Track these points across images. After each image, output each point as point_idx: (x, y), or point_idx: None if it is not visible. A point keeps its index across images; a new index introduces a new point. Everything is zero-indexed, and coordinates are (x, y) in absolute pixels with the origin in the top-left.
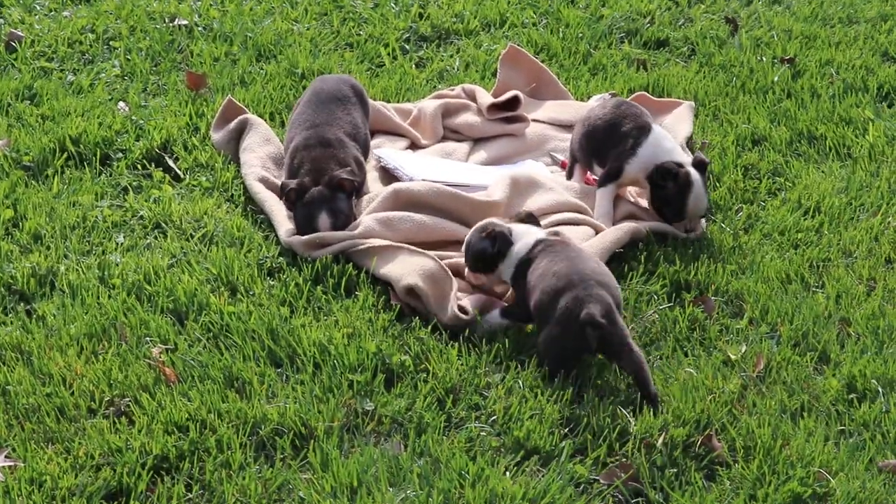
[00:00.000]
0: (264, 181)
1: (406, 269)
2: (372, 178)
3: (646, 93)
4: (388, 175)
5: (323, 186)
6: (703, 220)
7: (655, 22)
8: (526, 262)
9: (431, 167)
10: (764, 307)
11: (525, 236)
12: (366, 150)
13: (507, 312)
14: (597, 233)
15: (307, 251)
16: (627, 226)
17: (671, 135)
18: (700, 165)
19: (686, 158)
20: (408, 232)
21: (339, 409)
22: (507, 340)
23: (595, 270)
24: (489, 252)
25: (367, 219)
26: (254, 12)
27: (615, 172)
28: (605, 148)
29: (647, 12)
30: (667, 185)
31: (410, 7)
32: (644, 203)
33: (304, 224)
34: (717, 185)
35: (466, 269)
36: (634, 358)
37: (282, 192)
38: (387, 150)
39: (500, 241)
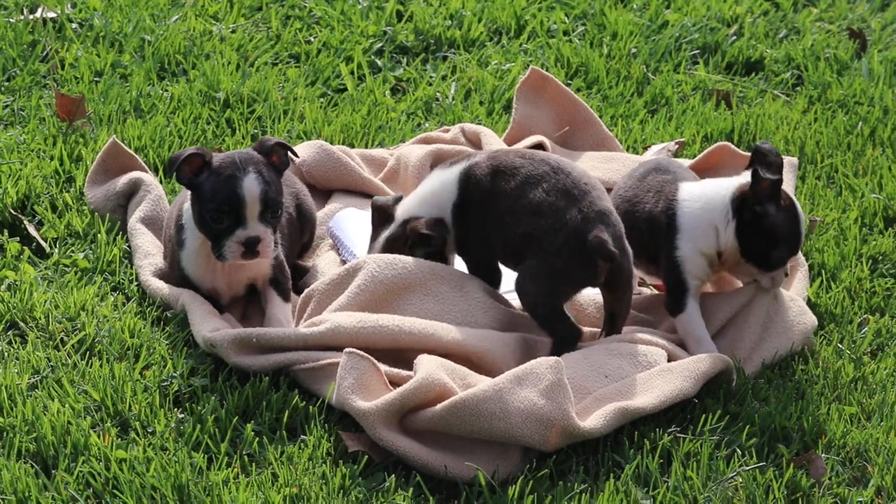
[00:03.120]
0: (165, 275)
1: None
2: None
3: (729, 143)
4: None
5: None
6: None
7: (745, 33)
8: (464, 204)
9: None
10: None
11: (432, 189)
12: (305, 227)
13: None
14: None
15: (235, 354)
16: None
17: None
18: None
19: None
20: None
21: None
22: None
23: (585, 175)
24: (434, 251)
25: (334, 315)
26: (154, 3)
27: (677, 284)
28: (640, 244)
29: (733, 18)
30: (767, 210)
31: (385, 3)
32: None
33: (218, 194)
34: (831, 284)
35: None
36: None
37: (170, 166)
38: (345, 219)
39: (436, 229)
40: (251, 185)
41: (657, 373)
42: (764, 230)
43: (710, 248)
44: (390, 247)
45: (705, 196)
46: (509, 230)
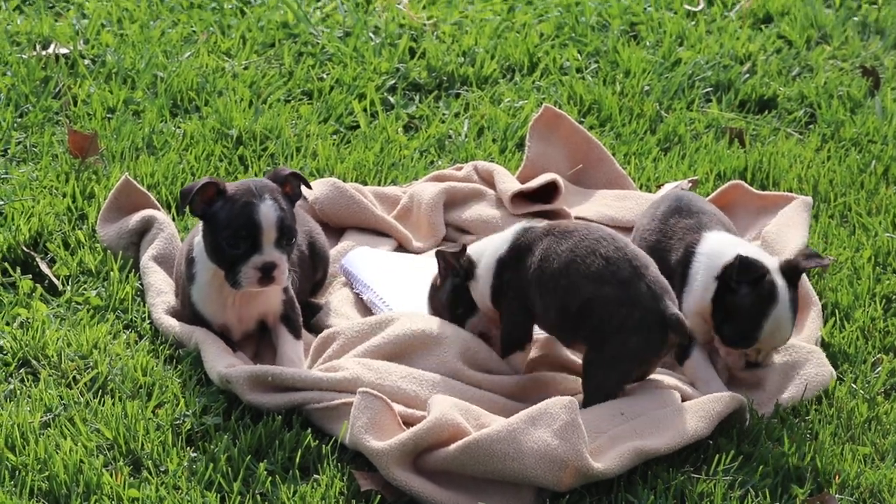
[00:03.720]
0: (178, 313)
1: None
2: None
3: (743, 182)
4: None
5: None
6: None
7: (758, 71)
8: (512, 259)
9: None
10: None
11: (492, 239)
12: (318, 265)
13: (504, 347)
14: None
15: (250, 392)
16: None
17: (777, 244)
18: (791, 272)
19: (771, 261)
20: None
21: None
22: None
23: (639, 253)
24: (458, 283)
25: (350, 361)
26: (167, 39)
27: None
28: None
29: (746, 56)
30: (740, 288)
31: (397, 40)
32: None
33: (234, 221)
34: (845, 324)
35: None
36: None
37: (182, 199)
38: (358, 258)
39: (460, 258)
40: (268, 211)
41: (672, 412)
42: (726, 304)
43: (704, 309)
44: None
45: (714, 254)
46: (566, 295)
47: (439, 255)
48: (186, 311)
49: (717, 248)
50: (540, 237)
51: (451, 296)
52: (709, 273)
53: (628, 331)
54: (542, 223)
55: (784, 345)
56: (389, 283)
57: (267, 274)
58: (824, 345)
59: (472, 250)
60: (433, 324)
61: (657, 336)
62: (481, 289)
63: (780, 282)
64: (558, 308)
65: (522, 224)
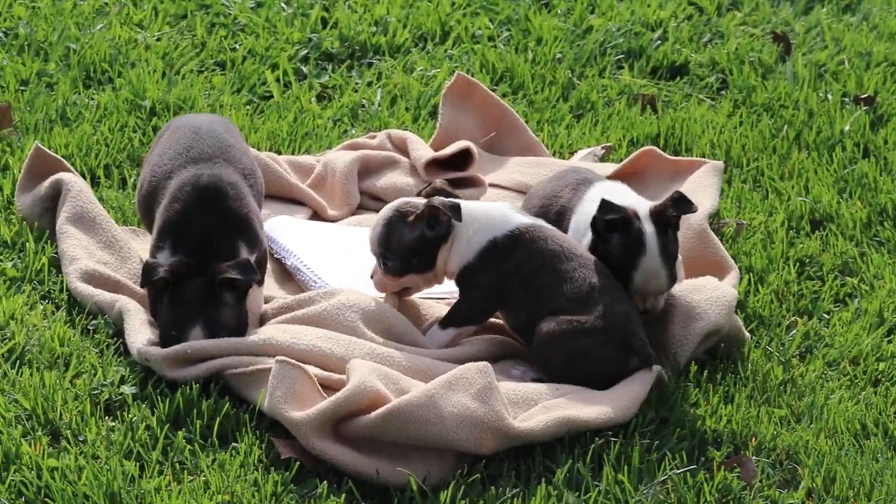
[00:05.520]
0: (94, 277)
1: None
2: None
3: (655, 147)
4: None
5: (205, 279)
6: (663, 296)
7: (669, 38)
8: (502, 251)
9: (346, 263)
10: (829, 472)
11: (489, 215)
12: (260, 201)
13: (451, 319)
14: None
15: (169, 369)
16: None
17: None
18: (660, 218)
19: (642, 207)
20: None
21: None
22: None
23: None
24: (431, 237)
25: (269, 327)
26: (79, 11)
27: None
28: None
29: (657, 23)
30: (611, 237)
31: (310, 9)
32: None
33: (168, 331)
34: (759, 287)
35: (376, 276)
36: None
37: (144, 275)
38: (279, 225)
39: (453, 213)
40: (196, 338)
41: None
42: (601, 252)
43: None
44: None
45: (593, 200)
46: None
47: (431, 202)
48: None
49: (597, 195)
50: (527, 241)
51: (415, 242)
52: (583, 221)
53: (589, 329)
54: (535, 223)
55: (665, 290)
56: (311, 249)
57: None
58: (739, 305)
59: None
60: (352, 296)
61: (619, 358)
62: (453, 257)
63: (648, 228)
64: (529, 312)
65: (518, 222)
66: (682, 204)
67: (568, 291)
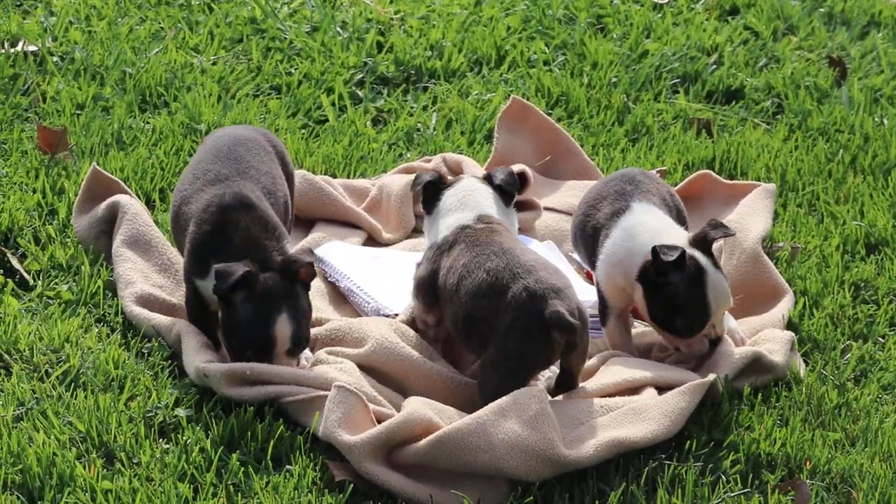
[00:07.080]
0: (149, 301)
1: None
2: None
3: (711, 171)
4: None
5: (277, 274)
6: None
7: (725, 62)
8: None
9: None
10: (884, 496)
11: (454, 210)
12: (285, 220)
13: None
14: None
15: (227, 387)
16: (695, 383)
17: (740, 232)
18: (702, 244)
19: (679, 238)
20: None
21: None
22: None
23: (541, 261)
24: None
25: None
26: (135, 36)
27: (600, 297)
28: (588, 251)
29: (713, 47)
30: (671, 277)
31: (365, 34)
32: None
33: (245, 333)
34: (814, 311)
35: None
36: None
37: (221, 278)
38: (331, 250)
39: (433, 194)
40: (283, 327)
41: (653, 405)
42: (662, 300)
43: (620, 288)
44: None
45: (634, 243)
46: (458, 309)
47: (419, 177)
48: (188, 296)
49: (636, 233)
50: (463, 240)
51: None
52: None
53: (503, 336)
54: (479, 225)
55: (730, 306)
56: (364, 272)
57: None
58: (794, 328)
59: (451, 193)
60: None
61: (537, 336)
62: (426, 231)
63: (697, 254)
64: (451, 320)
65: (461, 221)
66: (720, 228)
67: (471, 295)
